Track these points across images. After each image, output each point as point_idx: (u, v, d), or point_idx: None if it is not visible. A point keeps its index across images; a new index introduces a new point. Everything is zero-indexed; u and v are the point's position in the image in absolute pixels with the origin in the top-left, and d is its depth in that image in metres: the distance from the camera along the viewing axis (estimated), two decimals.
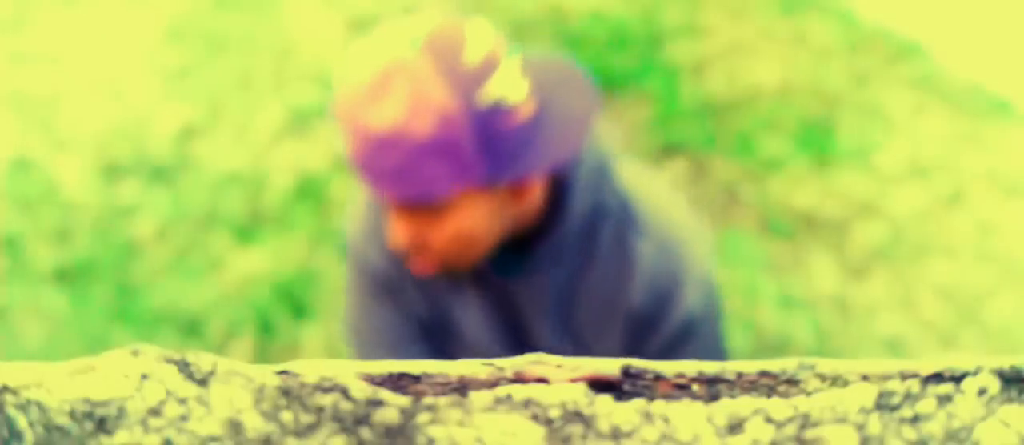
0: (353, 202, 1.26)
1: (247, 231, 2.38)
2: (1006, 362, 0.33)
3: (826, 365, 0.34)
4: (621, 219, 1.13)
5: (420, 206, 1.02)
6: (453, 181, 0.99)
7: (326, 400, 0.33)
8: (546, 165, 1.04)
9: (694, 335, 1.15)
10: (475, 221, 1.04)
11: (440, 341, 1.21)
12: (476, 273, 1.14)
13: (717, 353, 1.21)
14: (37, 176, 2.54)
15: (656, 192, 1.19)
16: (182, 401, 0.32)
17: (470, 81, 0.97)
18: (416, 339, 1.21)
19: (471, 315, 1.17)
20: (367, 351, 1.23)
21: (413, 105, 0.96)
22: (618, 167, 1.15)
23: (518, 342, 1.17)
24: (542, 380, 0.34)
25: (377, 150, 0.97)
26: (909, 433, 0.32)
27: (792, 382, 0.33)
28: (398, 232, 1.06)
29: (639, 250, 1.12)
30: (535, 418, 0.33)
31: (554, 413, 0.33)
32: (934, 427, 0.32)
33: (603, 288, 1.14)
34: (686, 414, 0.33)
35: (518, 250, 1.12)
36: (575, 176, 1.09)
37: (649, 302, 1.13)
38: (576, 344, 1.16)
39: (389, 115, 0.96)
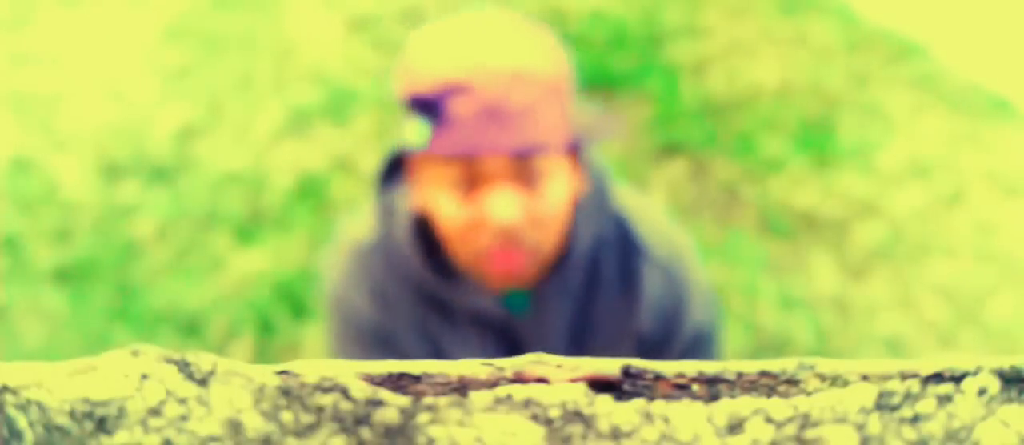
0: (332, 249, 1.21)
1: (247, 231, 2.38)
2: (1006, 362, 0.33)
3: (826, 365, 0.34)
4: (623, 244, 1.12)
5: (525, 169, 1.00)
6: (559, 132, 1.00)
7: (326, 400, 0.33)
8: (599, 138, 1.11)
9: (701, 350, 1.15)
10: (563, 192, 1.04)
11: None
12: (478, 312, 1.11)
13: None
14: (37, 176, 2.54)
15: (646, 210, 1.18)
16: (182, 401, 0.32)
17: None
18: None
19: (472, 355, 1.14)
20: None
21: (537, 47, 1.00)
22: (614, 189, 1.14)
23: None
24: (542, 380, 0.34)
25: (508, 88, 0.96)
26: (909, 433, 0.32)
27: (792, 382, 0.33)
28: (507, 206, 1.00)
29: (645, 275, 1.11)
30: (535, 418, 0.33)
31: (554, 413, 0.33)
32: (934, 427, 0.32)
33: (611, 317, 1.13)
34: (686, 414, 0.33)
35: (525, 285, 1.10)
36: (580, 206, 1.08)
37: (658, 325, 1.13)
38: None
39: (519, 53, 0.98)
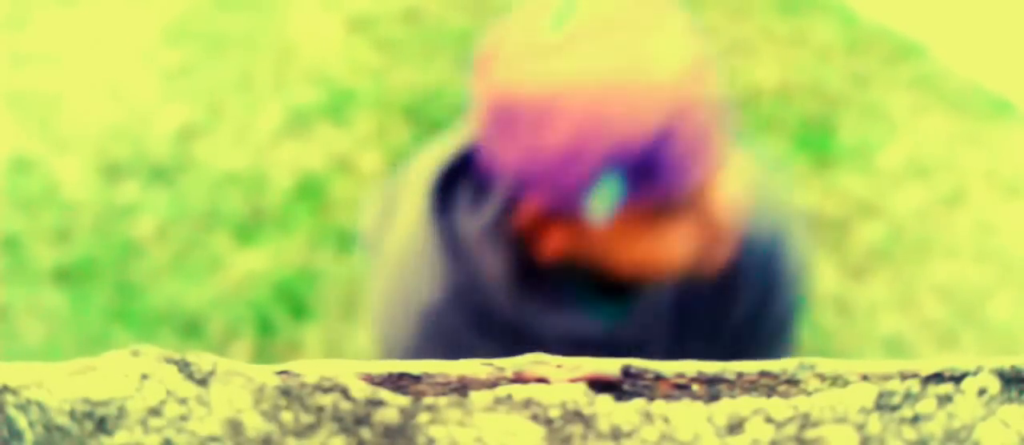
0: (387, 311, 1.02)
1: (247, 231, 2.38)
2: (1006, 362, 0.33)
3: (826, 365, 0.34)
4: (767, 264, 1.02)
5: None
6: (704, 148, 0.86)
7: (326, 400, 0.33)
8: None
9: (782, 336, 1.08)
10: (730, 189, 0.90)
11: None
12: (570, 335, 0.96)
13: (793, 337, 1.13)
14: (37, 176, 2.54)
15: (761, 183, 1.04)
16: (182, 401, 0.32)
17: None
18: None
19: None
20: None
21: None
22: (793, 235, 1.02)
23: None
24: (542, 380, 0.33)
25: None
26: (909, 433, 0.32)
27: (792, 382, 0.33)
28: (676, 250, 0.88)
29: (745, 269, 1.01)
30: (535, 418, 0.33)
31: (554, 413, 0.33)
32: (934, 427, 0.32)
33: (708, 313, 1.03)
34: (686, 414, 0.33)
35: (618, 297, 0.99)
36: (745, 261, 0.97)
37: (748, 309, 1.04)
38: None
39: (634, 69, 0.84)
